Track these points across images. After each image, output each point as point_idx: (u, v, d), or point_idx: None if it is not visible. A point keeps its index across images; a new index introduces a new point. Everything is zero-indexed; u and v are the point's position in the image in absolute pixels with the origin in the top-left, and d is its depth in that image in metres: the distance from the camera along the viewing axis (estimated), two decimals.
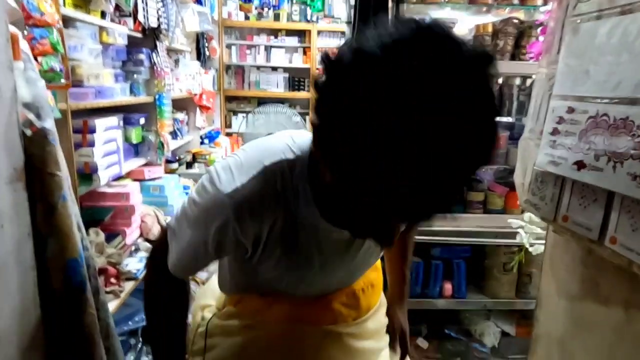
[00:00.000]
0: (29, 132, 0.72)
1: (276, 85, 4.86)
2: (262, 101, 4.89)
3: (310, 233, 0.71)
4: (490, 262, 1.88)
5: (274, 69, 4.87)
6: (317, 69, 4.63)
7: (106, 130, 1.86)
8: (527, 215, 1.30)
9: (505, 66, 1.72)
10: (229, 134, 4.69)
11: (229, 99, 4.93)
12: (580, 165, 0.63)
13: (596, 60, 0.62)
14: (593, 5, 0.64)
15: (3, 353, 0.79)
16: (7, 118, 0.68)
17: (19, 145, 0.71)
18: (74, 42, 1.69)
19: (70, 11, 1.66)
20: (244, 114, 4.84)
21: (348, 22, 2.10)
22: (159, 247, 0.79)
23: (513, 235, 1.70)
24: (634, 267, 0.56)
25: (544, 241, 0.91)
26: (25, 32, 1.14)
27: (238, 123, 4.85)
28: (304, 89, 4.89)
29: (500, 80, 1.85)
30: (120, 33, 2.07)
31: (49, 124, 0.76)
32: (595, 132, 0.61)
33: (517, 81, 1.80)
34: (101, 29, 1.93)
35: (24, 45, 0.74)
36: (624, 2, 0.58)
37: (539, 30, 1.72)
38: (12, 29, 0.69)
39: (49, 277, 0.79)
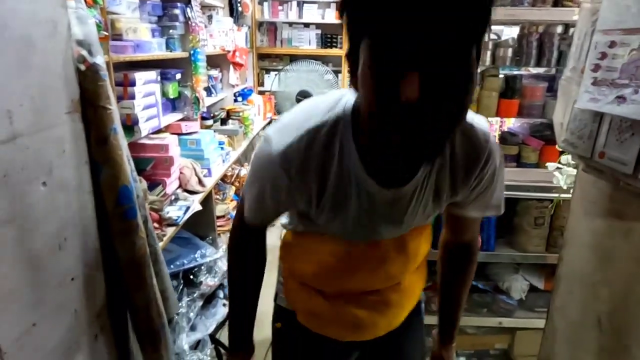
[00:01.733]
0: (82, 67, 0.78)
1: (308, 43, 4.80)
2: (294, 59, 4.86)
3: (357, 190, 0.75)
4: (521, 216, 1.87)
5: (307, 25, 4.79)
6: None
7: (145, 83, 1.92)
8: (565, 157, 1.29)
9: (546, 13, 1.64)
10: (261, 92, 4.72)
11: (262, 56, 4.92)
12: (620, 99, 0.62)
13: None
14: None
15: (69, 262, 0.89)
16: (63, 53, 0.74)
17: (75, 79, 0.77)
18: None
19: None
20: (276, 72, 4.84)
21: None
22: (237, 215, 0.91)
23: (547, 189, 1.69)
24: None
25: None
26: None
27: (270, 81, 4.86)
28: (336, 46, 4.80)
29: (540, 29, 1.77)
30: None
31: (100, 60, 0.81)
32: (636, 64, 0.60)
33: (559, 29, 1.73)
34: None
35: None
36: None
37: None
38: None
39: (103, 201, 0.87)
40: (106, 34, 1.41)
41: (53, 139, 0.80)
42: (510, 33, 1.92)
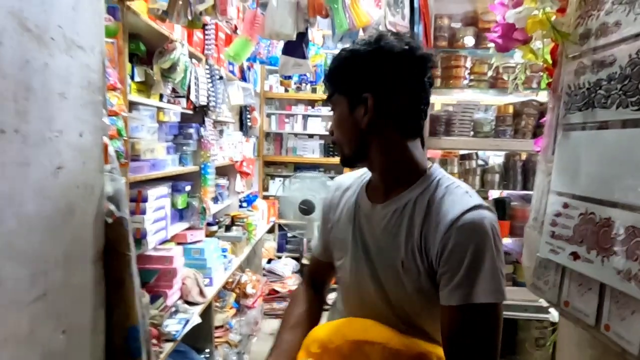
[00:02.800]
0: (110, 220, 0.88)
1: (312, 152, 5.10)
2: (298, 166, 5.12)
3: (360, 214, 0.99)
4: (521, 336, 1.86)
5: (311, 136, 5.13)
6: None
7: (157, 199, 2.05)
8: None
9: (526, 145, 1.81)
10: (266, 197, 4.89)
11: (267, 163, 5.19)
12: (575, 256, 0.71)
13: (583, 164, 0.72)
14: (578, 118, 0.74)
15: None
16: (96, 210, 0.85)
17: (102, 231, 0.88)
18: (135, 124, 1.93)
19: (134, 97, 1.91)
20: (281, 178, 5.06)
21: None
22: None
23: (544, 309, 1.70)
24: (627, 355, 0.62)
25: None
26: None
27: (275, 187, 5.06)
28: (338, 155, 5.08)
29: (523, 157, 1.93)
30: (175, 112, 2.33)
31: (126, 213, 0.92)
32: (585, 227, 0.69)
33: None
34: (159, 109, 2.19)
35: (110, 149, 0.92)
36: (600, 119, 0.68)
37: None
38: (105, 139, 0.88)
39: (112, 339, 0.92)
40: (126, 161, 1.56)
41: (77, 288, 0.89)
42: (497, 160, 2.09)
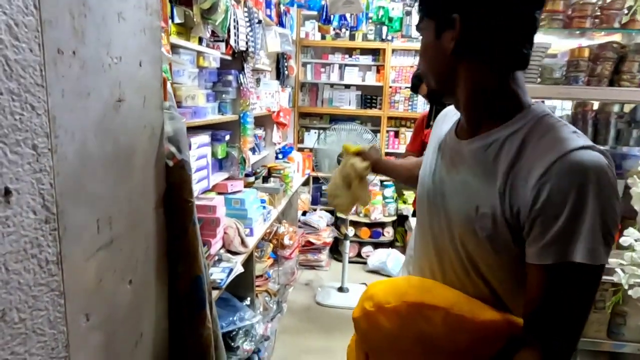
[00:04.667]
0: (170, 163, 0.82)
1: (349, 103, 4.93)
2: (334, 118, 4.99)
3: (445, 148, 0.92)
4: None
5: (347, 86, 4.95)
6: (391, 87, 4.68)
7: (199, 147, 2.01)
8: (628, 254, 1.22)
9: (602, 93, 1.63)
10: (300, 149, 4.82)
11: (302, 115, 5.08)
12: None
13: None
14: None
15: (143, 350, 0.89)
16: (157, 151, 0.78)
17: (163, 175, 0.82)
18: (177, 67, 1.85)
19: (175, 39, 1.82)
20: (316, 130, 4.96)
21: None
22: None
23: (608, 270, 1.60)
24: None
25: None
26: None
27: (310, 139, 4.97)
28: (375, 107, 4.91)
29: (595, 106, 1.76)
30: (214, 57, 2.23)
31: (187, 156, 0.85)
32: None
33: (615, 108, 1.70)
34: (199, 53, 2.10)
35: (169, 86, 0.84)
36: None
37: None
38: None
39: (177, 289, 0.88)
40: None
41: (141, 236, 0.84)
42: (565, 109, 1.91)
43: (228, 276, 1.96)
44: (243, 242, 2.30)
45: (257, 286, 2.71)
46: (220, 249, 2.18)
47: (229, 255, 2.15)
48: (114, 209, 0.75)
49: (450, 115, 1.01)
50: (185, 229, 0.85)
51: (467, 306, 0.82)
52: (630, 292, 1.19)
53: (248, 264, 2.38)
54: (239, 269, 2.08)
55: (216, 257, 2.09)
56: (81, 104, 0.66)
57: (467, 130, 0.86)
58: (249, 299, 2.43)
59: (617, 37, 1.87)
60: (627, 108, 1.81)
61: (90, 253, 0.70)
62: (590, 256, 0.68)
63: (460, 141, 0.87)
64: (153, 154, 0.79)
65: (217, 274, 1.96)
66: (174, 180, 0.83)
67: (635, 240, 1.08)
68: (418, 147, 3.04)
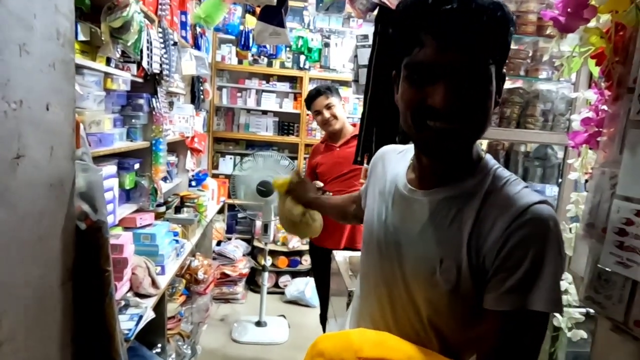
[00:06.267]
0: (83, 226, 0.66)
1: (266, 129, 4.86)
2: (251, 144, 4.87)
3: (396, 196, 0.88)
4: None
5: (265, 112, 4.89)
6: (308, 114, 4.70)
7: (104, 179, 1.78)
8: (564, 297, 1.27)
9: (511, 134, 1.76)
10: (215, 175, 4.62)
11: (217, 140, 4.89)
12: None
13: None
14: None
15: None
16: (67, 212, 0.62)
17: (72, 244, 0.65)
18: (81, 90, 1.64)
19: (78, 59, 1.61)
20: (232, 156, 4.80)
21: (354, 80, 2.14)
22: None
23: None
24: None
25: (585, 333, 0.89)
26: None
27: (226, 164, 4.79)
28: (293, 134, 4.90)
29: (505, 145, 1.88)
30: (124, 79, 2.04)
31: (104, 215, 0.70)
32: None
33: (522, 148, 1.84)
34: (106, 75, 1.89)
35: (82, 129, 0.69)
36: None
37: (538, 101, 1.78)
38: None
39: None
40: None
41: (45, 324, 0.64)
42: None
43: (137, 324, 1.74)
44: (154, 283, 2.08)
45: (169, 329, 2.47)
46: (128, 292, 1.94)
47: (137, 300, 1.92)
48: (8, 301, 0.57)
49: (389, 159, 0.99)
50: (100, 304, 0.69)
51: (424, 358, 0.80)
52: (569, 335, 1.24)
53: (159, 306, 2.16)
54: (149, 315, 1.86)
55: (123, 303, 1.86)
56: None
57: (429, 180, 0.83)
58: (159, 345, 2.19)
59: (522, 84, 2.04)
60: (530, 147, 1.97)
61: None
62: (552, 305, 0.71)
63: (416, 190, 0.84)
64: (61, 217, 0.63)
65: (125, 323, 1.73)
66: (87, 247, 0.68)
67: (569, 284, 1.14)
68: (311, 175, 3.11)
